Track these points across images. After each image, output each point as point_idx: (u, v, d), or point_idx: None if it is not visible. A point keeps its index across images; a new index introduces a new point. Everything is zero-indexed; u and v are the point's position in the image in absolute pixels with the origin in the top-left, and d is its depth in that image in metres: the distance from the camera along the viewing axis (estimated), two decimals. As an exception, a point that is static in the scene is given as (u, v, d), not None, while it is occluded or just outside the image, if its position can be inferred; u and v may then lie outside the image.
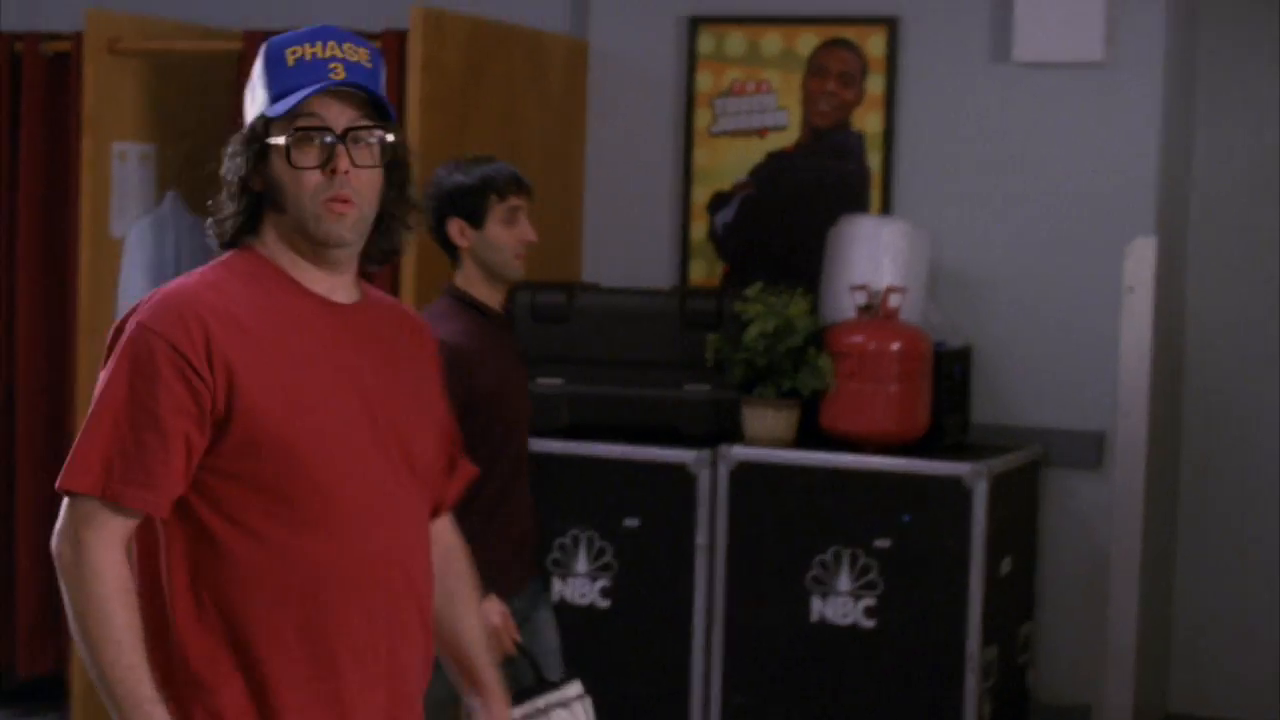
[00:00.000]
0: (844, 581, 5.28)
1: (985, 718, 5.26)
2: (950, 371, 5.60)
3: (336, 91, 2.53)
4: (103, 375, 2.50)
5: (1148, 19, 5.72)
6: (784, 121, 6.01)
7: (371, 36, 5.25)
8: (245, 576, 2.48)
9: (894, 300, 5.45)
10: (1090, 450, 5.80)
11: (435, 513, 2.77)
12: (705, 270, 6.11)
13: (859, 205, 5.92)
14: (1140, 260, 5.76)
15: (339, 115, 2.54)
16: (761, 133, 6.03)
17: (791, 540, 5.33)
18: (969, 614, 5.18)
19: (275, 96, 2.52)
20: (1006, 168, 5.84)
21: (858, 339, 5.40)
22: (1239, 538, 6.15)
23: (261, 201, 2.57)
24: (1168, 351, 5.98)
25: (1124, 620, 5.75)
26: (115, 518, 2.45)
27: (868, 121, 5.93)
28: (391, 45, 5.38)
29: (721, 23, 6.07)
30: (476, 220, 4.01)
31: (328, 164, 2.52)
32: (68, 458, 2.47)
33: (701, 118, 6.09)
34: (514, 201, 4.05)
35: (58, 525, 2.48)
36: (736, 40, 6.05)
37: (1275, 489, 6.09)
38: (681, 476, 5.40)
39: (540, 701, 3.65)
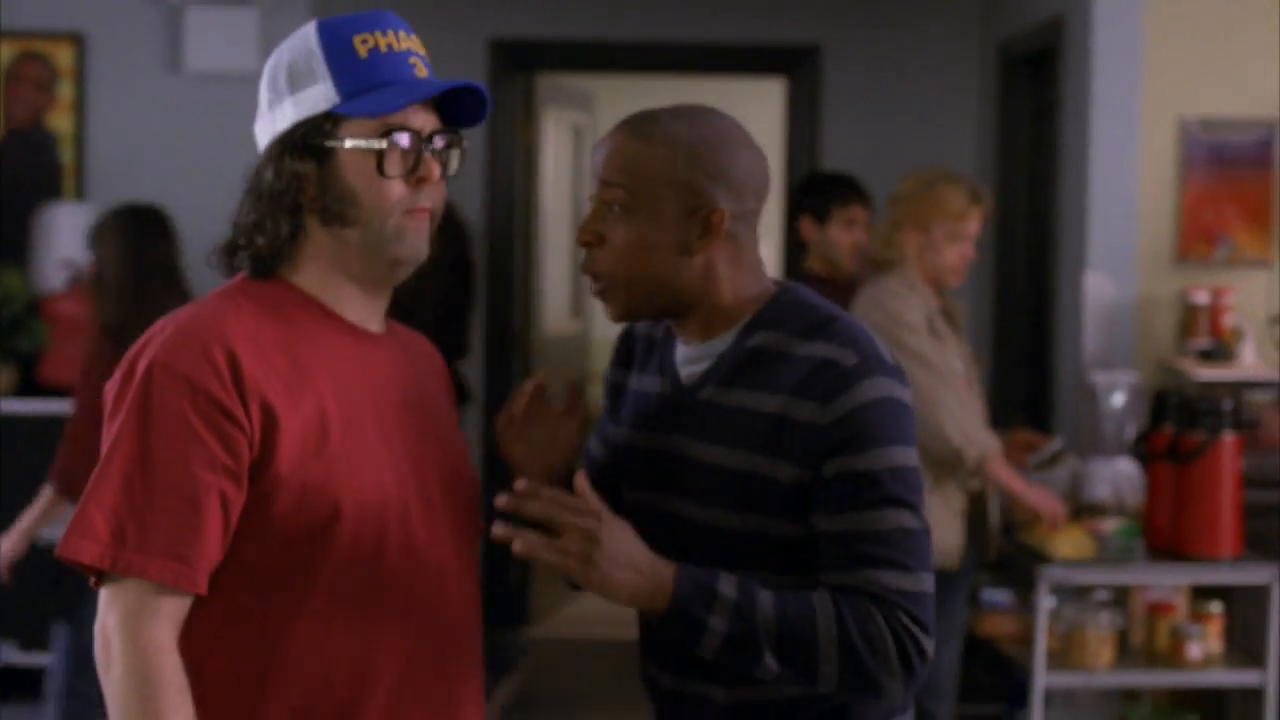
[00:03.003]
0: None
1: None
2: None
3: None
4: (111, 427, 2.07)
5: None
6: (-14, 122, 6.89)
7: None
8: (294, 657, 2.09)
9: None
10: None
11: None
12: (-83, 253, 6.90)
13: (56, 194, 6.89)
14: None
15: (424, 119, 2.18)
16: (-34, 131, 6.90)
17: (19, 477, 6.29)
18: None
19: (350, 91, 2.13)
20: (185, 161, 6.94)
21: (68, 306, 6.42)
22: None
23: (300, 211, 2.17)
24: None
25: None
26: (157, 599, 2.02)
27: (61, 123, 6.92)
28: None
29: (-74, 36, 6.86)
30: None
31: (413, 173, 2.16)
32: (69, 523, 2.04)
33: (-90, 118, 6.87)
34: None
35: (99, 619, 2.05)
36: (-60, 51, 6.87)
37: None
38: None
39: None
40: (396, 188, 2.16)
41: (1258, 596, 4.89)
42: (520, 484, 2.14)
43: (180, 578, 2.02)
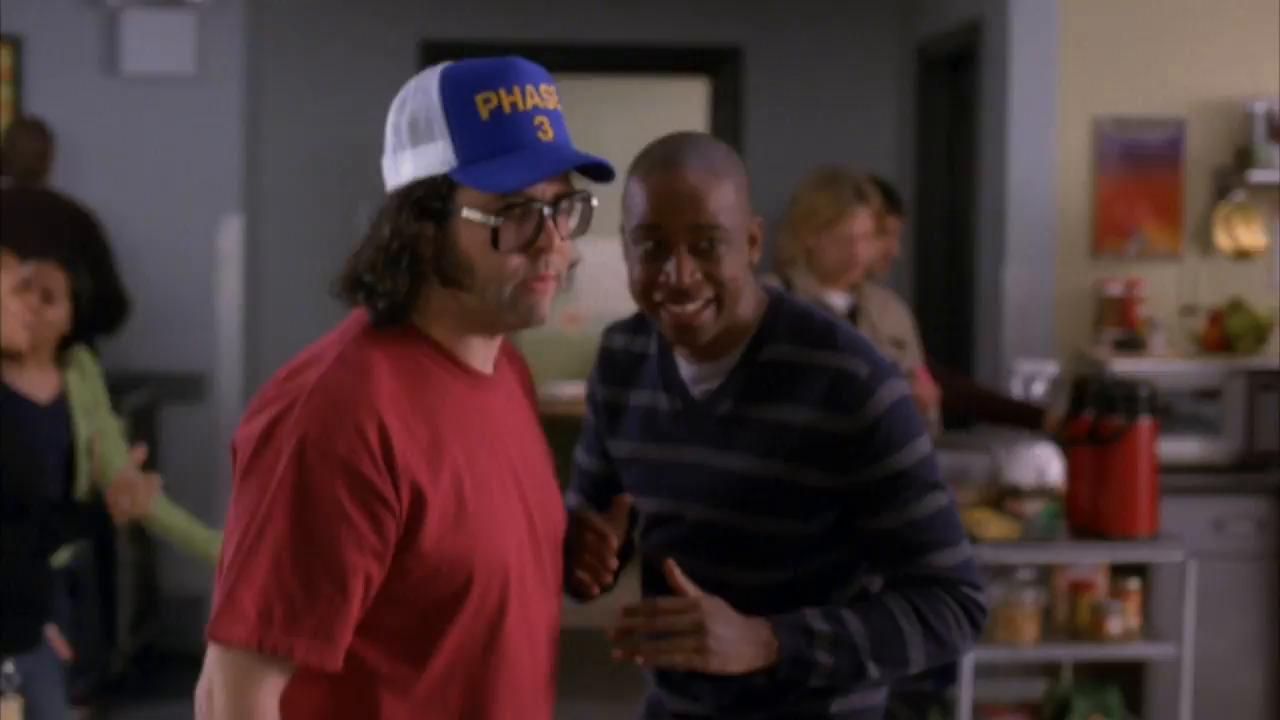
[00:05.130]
0: None
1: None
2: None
3: None
4: (251, 495, 2.02)
5: (229, 39, 7.12)
6: (-76, 123, 6.95)
7: None
8: (408, 715, 2.09)
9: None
10: (195, 388, 7.18)
11: None
12: None
13: (-6, 193, 6.96)
14: (229, 234, 7.18)
15: (546, 184, 2.08)
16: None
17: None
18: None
19: (468, 157, 2.05)
20: (121, 162, 7.04)
21: (10, 304, 6.50)
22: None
23: (420, 266, 2.10)
24: (252, 304, 7.42)
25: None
26: (277, 671, 2.00)
27: (-3, 123, 7.01)
28: None
29: None
30: None
31: (534, 243, 2.08)
32: (217, 600, 2.01)
33: None
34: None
35: (205, 674, 2.02)
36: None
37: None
38: None
39: None
40: (514, 259, 2.08)
41: (1174, 573, 5.11)
42: (621, 610, 2.29)
43: (325, 658, 2.00)
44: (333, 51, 7.65)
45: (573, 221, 2.13)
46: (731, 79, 7.92)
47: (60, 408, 4.36)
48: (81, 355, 4.52)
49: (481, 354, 2.16)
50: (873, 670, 2.35)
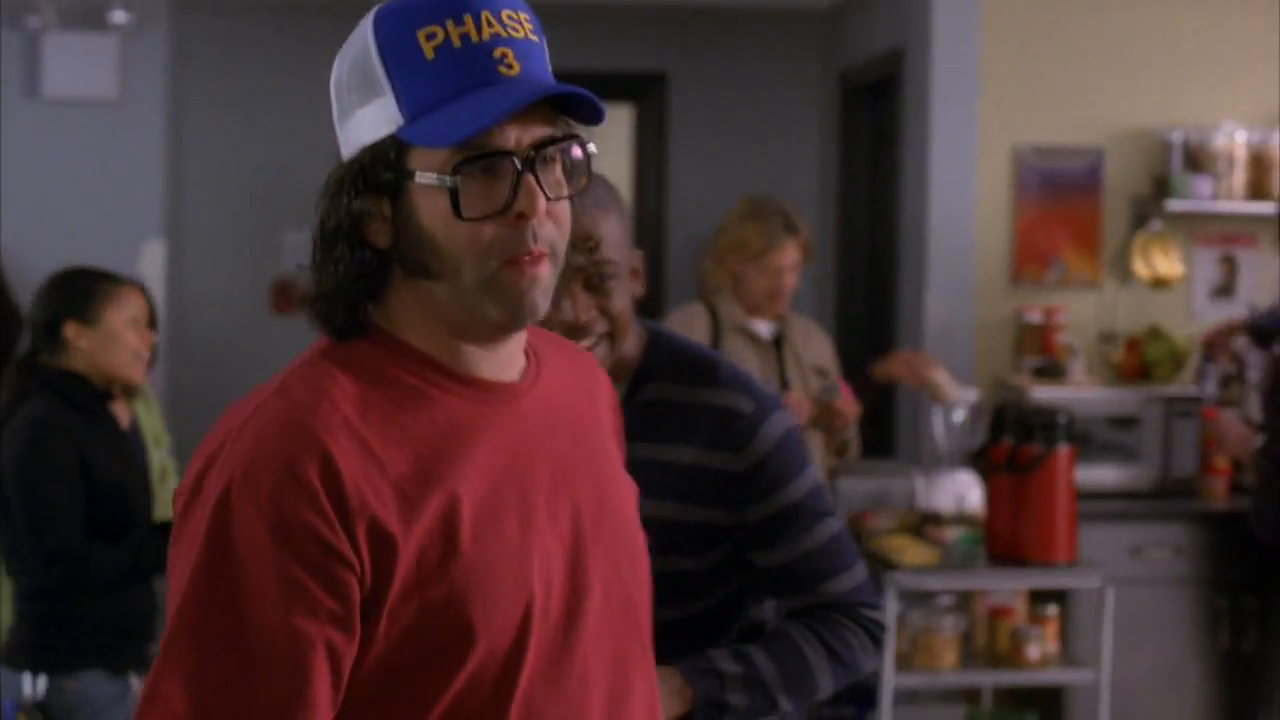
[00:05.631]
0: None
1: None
2: None
3: None
4: (180, 561, 1.61)
5: (151, 62, 7.09)
6: None
7: None
8: None
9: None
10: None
11: None
12: None
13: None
14: (152, 258, 7.14)
15: (520, 130, 1.64)
16: None
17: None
18: None
19: (415, 109, 1.63)
20: (42, 187, 7.00)
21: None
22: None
23: (385, 260, 1.68)
24: (175, 328, 7.32)
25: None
26: None
27: (-83, 145, 6.95)
28: None
29: None
30: None
31: (510, 207, 1.64)
32: (141, 694, 1.59)
33: None
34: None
35: None
36: None
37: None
38: None
39: None
40: (486, 229, 1.64)
41: (1091, 599, 5.16)
42: None
43: None
44: (256, 75, 7.63)
45: (570, 177, 1.70)
46: (656, 105, 7.95)
47: (136, 439, 4.22)
48: (145, 385, 4.40)
49: (490, 360, 1.72)
50: (785, 703, 2.38)
